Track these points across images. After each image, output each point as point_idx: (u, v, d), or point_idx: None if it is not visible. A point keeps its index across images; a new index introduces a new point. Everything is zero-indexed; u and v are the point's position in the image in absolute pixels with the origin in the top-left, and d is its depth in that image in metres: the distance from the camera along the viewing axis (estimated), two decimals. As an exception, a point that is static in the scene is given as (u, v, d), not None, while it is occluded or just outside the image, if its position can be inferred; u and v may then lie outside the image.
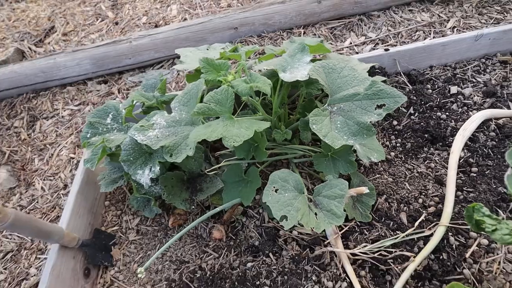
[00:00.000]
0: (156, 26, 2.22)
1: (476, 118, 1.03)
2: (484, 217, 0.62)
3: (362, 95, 0.81)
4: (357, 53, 1.61)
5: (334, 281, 0.84)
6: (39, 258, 1.24)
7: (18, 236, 1.34)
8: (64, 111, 1.84)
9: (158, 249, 1.04)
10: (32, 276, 1.19)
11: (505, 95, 1.15)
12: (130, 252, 1.09)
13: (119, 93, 1.83)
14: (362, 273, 0.85)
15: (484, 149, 1.02)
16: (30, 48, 2.41)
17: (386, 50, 1.23)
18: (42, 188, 1.51)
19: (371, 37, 1.68)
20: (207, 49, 1.15)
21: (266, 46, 1.23)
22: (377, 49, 1.35)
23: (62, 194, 1.46)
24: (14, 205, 1.49)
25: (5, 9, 3.02)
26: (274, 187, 0.82)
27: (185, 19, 2.20)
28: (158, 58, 1.79)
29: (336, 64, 0.89)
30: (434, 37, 1.60)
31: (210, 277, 0.94)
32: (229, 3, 2.17)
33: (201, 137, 0.79)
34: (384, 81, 1.13)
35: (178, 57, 1.84)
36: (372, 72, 1.24)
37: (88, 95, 1.88)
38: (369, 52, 1.26)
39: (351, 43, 1.68)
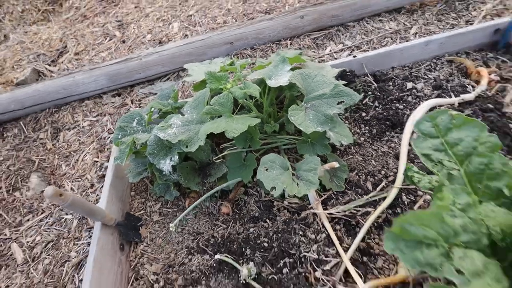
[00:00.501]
0: (160, 43, 2.51)
1: (424, 106, 1.31)
2: (414, 173, 0.89)
3: (328, 95, 1.09)
4: (336, 58, 1.89)
5: (315, 234, 1.11)
6: (77, 244, 1.50)
7: (56, 228, 1.59)
8: (84, 122, 2.11)
9: (178, 224, 1.31)
10: (73, 258, 1.45)
11: (449, 88, 1.43)
12: (155, 230, 1.36)
13: (132, 103, 2.10)
14: (337, 227, 1.12)
15: (432, 131, 1.29)
16: (45, 68, 2.70)
17: (354, 56, 1.51)
18: (71, 188, 1.77)
19: (347, 45, 1.97)
20: (209, 63, 1.43)
21: (257, 59, 1.51)
22: (351, 55, 1.63)
23: (90, 192, 1.72)
24: (48, 205, 1.75)
25: (18, 33, 3.32)
26: (265, 167, 1.10)
27: (186, 35, 2.49)
28: (165, 72, 2.07)
29: (311, 72, 1.17)
30: (400, 42, 1.88)
31: (221, 242, 1.20)
32: (225, 20, 2.47)
33: (209, 130, 1.06)
34: (347, 84, 1.42)
35: (183, 70, 2.12)
36: (344, 74, 1.52)
37: (104, 107, 2.16)
38: (341, 59, 1.54)
39: (331, 50, 1.97)
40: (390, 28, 1.98)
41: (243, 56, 2.01)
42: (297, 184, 1.07)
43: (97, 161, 1.87)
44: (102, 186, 1.56)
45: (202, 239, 1.25)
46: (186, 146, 1.14)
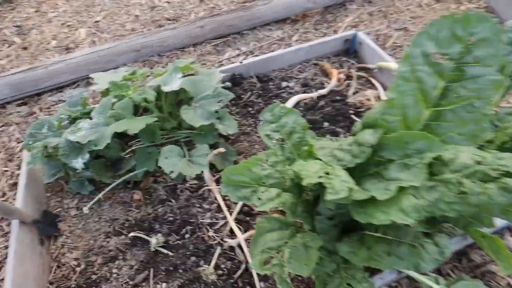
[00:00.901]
0: (67, 49, 2.55)
1: (292, 100, 1.71)
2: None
3: (210, 95, 1.40)
4: (233, 63, 2.22)
5: (209, 205, 1.42)
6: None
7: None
8: (-11, 133, 2.08)
9: (95, 215, 1.50)
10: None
11: (313, 85, 1.87)
12: (73, 223, 1.52)
13: (41, 111, 2.15)
14: (227, 197, 1.45)
15: (298, 119, 1.71)
16: None
17: (241, 62, 1.86)
18: (-18, 198, 1.79)
19: (243, 50, 2.32)
20: (114, 73, 1.63)
21: (155, 68, 1.76)
22: (241, 62, 1.97)
23: (1, 200, 1.77)
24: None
25: None
26: (165, 156, 1.37)
27: (94, 41, 2.58)
28: (74, 79, 2.16)
29: (197, 78, 1.47)
30: (284, 48, 2.30)
31: (135, 223, 1.44)
32: (133, 27, 2.62)
33: (114, 130, 1.29)
34: (236, 85, 1.76)
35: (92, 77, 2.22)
36: (234, 77, 1.86)
37: (9, 117, 2.15)
38: (231, 65, 1.87)
39: (229, 55, 2.30)
40: (277, 36, 2.39)
41: (151, 62, 2.23)
42: (191, 167, 1.36)
43: (7, 171, 1.90)
44: (15, 193, 1.63)
45: (118, 224, 1.46)
46: (95, 145, 1.34)
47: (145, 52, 2.21)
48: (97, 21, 2.75)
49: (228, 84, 1.86)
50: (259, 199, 0.82)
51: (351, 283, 0.98)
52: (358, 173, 0.84)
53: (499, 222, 1.33)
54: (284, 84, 1.88)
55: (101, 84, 1.51)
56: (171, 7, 2.78)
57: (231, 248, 1.32)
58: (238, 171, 0.85)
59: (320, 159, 0.81)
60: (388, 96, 0.78)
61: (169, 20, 2.65)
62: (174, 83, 1.43)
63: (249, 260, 1.25)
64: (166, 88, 1.41)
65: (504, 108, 1.18)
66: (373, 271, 1.15)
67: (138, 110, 1.55)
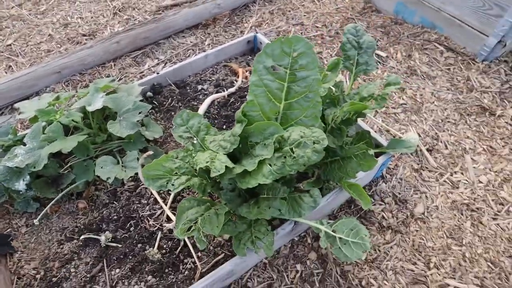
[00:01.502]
0: (-17, 78, 2.54)
1: (207, 101, 2.02)
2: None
3: (131, 109, 1.65)
4: (153, 72, 2.44)
5: (147, 200, 1.70)
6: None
7: None
8: None
9: (45, 228, 1.68)
10: None
11: (224, 85, 2.20)
12: (26, 239, 1.69)
13: (-31, 142, 2.19)
14: (162, 191, 1.73)
15: (212, 115, 2.03)
16: None
17: (157, 73, 2.10)
18: None
19: (162, 59, 2.55)
20: (39, 99, 1.78)
21: (78, 90, 1.94)
22: (156, 72, 2.21)
23: None
24: None
25: None
26: (100, 166, 1.60)
27: (10, 66, 2.60)
28: (-2, 107, 2.23)
29: (119, 95, 1.70)
30: (198, 53, 2.57)
31: (83, 228, 1.66)
32: (49, 48, 2.69)
33: (49, 151, 1.49)
34: (157, 94, 2.02)
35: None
36: (153, 87, 2.10)
37: None
38: (148, 76, 2.11)
39: (149, 65, 2.51)
40: (191, 42, 2.65)
41: (73, 81, 2.36)
42: (125, 171, 1.62)
43: None
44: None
45: (68, 231, 1.67)
46: (34, 167, 1.53)
47: (66, 73, 2.33)
48: (9, 45, 2.75)
49: (149, 94, 2.10)
50: (173, 185, 1.13)
51: (258, 236, 1.34)
52: (240, 155, 1.19)
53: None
54: (199, 87, 2.17)
55: (28, 112, 1.67)
56: (85, 23, 2.87)
57: (170, 231, 1.62)
58: (152, 167, 1.14)
59: (211, 149, 1.14)
60: (248, 99, 1.13)
61: (85, 36, 2.76)
62: (96, 103, 1.65)
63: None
64: (90, 108, 1.62)
65: (354, 90, 1.62)
66: (274, 226, 1.53)
67: (69, 129, 1.74)
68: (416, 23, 2.63)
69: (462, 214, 1.78)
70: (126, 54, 2.53)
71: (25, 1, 3.12)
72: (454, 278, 1.58)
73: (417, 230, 1.73)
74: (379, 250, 1.68)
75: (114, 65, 2.47)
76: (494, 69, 2.36)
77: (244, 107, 1.14)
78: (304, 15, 2.84)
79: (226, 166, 1.04)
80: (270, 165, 1.05)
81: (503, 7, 2.11)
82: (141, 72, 2.44)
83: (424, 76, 2.35)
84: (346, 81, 2.27)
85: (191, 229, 1.17)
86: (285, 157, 1.04)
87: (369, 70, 1.55)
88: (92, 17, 2.91)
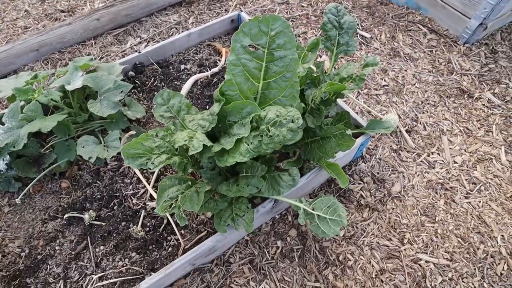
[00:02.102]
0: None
1: (189, 81, 2.01)
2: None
3: (112, 88, 1.64)
4: (136, 51, 2.40)
5: (130, 179, 1.71)
6: None
7: None
8: None
9: (28, 208, 1.69)
10: None
11: (208, 64, 2.18)
12: (9, 218, 1.69)
13: None
14: (145, 170, 1.74)
15: (195, 95, 2.02)
16: None
17: (139, 52, 2.07)
18: None
19: (144, 37, 2.49)
20: (16, 78, 1.74)
21: (57, 69, 1.90)
22: (138, 51, 2.17)
23: None
24: None
25: None
26: (82, 145, 1.59)
27: (-14, 43, 2.51)
28: (-25, 86, 2.16)
29: (98, 74, 1.68)
30: (182, 31, 2.52)
31: (67, 207, 1.67)
32: (26, 24, 2.59)
33: (28, 131, 1.47)
34: (139, 73, 1.99)
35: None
36: (136, 66, 2.08)
37: None
38: (130, 55, 2.07)
39: (131, 44, 2.46)
40: (174, 20, 2.59)
41: (52, 60, 2.30)
42: (107, 150, 1.62)
43: None
44: None
45: (52, 210, 1.68)
46: (14, 147, 1.51)
47: (45, 51, 2.27)
48: (-16, 21, 2.64)
49: (131, 73, 2.07)
50: (153, 163, 1.14)
51: (238, 213, 1.38)
52: (220, 134, 1.20)
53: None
54: (182, 66, 2.15)
55: (5, 90, 1.64)
56: (65, -1, 2.77)
57: (153, 209, 1.65)
58: (132, 146, 1.15)
59: (190, 128, 1.15)
60: (226, 78, 1.13)
61: (63, 12, 2.67)
62: (76, 82, 1.63)
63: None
64: (69, 87, 1.60)
65: (335, 70, 1.63)
66: (256, 204, 1.57)
67: (49, 109, 1.72)
68: (402, 4, 2.63)
69: (436, 193, 1.86)
70: (107, 32, 2.46)
71: (-1, -26, 2.97)
72: (426, 253, 1.67)
73: (393, 208, 1.81)
74: (357, 227, 1.75)
75: (95, 43, 2.41)
76: (474, 52, 2.40)
77: (222, 87, 1.15)
78: (291, -6, 2.80)
79: (204, 145, 1.06)
80: (247, 143, 1.07)
81: (485, -11, 2.13)
82: (123, 51, 2.40)
83: (407, 58, 2.38)
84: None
85: (172, 207, 1.20)
86: (261, 136, 1.06)
87: (349, 51, 1.57)
88: (71, -7, 2.80)
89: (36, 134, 1.78)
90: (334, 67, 1.56)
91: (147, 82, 2.08)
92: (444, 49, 2.42)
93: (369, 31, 2.51)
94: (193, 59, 2.21)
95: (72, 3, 2.74)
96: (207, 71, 2.12)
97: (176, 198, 1.25)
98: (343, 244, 1.69)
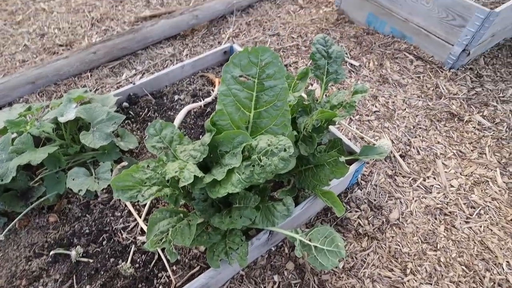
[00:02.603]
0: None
1: (184, 110, 2.02)
2: (162, 157, 1.53)
3: (105, 119, 1.63)
4: (132, 83, 2.43)
5: (121, 212, 1.66)
6: None
7: None
8: None
9: (13, 244, 1.62)
10: None
11: (201, 95, 2.20)
12: (-7, 256, 1.62)
13: None
14: (136, 204, 1.70)
15: (189, 125, 2.02)
16: None
17: (134, 84, 2.09)
18: None
19: (139, 69, 2.54)
20: (10, 110, 1.74)
21: (52, 100, 1.90)
22: (132, 83, 2.20)
23: None
24: None
25: None
26: (72, 178, 1.56)
27: (-17, 77, 2.53)
28: (-33, 119, 2.16)
29: (92, 106, 1.68)
30: (176, 63, 2.57)
31: (54, 243, 1.61)
32: (23, 59, 2.64)
33: (17, 163, 1.45)
34: (133, 104, 2.00)
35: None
36: (130, 97, 2.09)
37: None
38: (124, 88, 2.09)
39: (126, 76, 2.49)
40: (168, 53, 2.65)
41: (48, 92, 2.32)
42: (98, 182, 1.59)
43: None
44: None
45: (37, 246, 1.61)
46: (1, 180, 1.48)
47: (41, 83, 2.29)
48: (-18, 56, 2.69)
49: (125, 104, 2.09)
50: (142, 196, 1.11)
51: (232, 246, 1.33)
52: (211, 164, 1.19)
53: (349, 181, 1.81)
54: (176, 97, 2.17)
55: (-3, 123, 1.63)
56: (62, 33, 2.84)
57: (144, 243, 1.58)
58: (122, 178, 1.12)
59: (181, 159, 1.14)
60: (217, 108, 1.14)
61: (61, 46, 2.72)
62: (69, 114, 1.62)
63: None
64: (62, 119, 1.59)
65: (326, 98, 1.65)
66: (251, 237, 1.53)
67: (41, 141, 1.70)
68: (387, 33, 2.73)
69: (436, 219, 1.83)
70: (103, 65, 2.51)
71: (0, 11, 3.07)
72: (431, 284, 1.61)
73: (393, 236, 1.76)
74: (356, 258, 1.69)
75: (91, 75, 2.44)
76: (460, 76, 2.46)
77: (213, 117, 1.15)
78: (280, 26, 2.90)
79: (195, 176, 1.04)
80: (239, 173, 1.05)
81: (465, 17, 2.21)
82: (118, 83, 2.42)
83: (396, 84, 2.43)
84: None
85: (162, 241, 1.16)
86: (253, 166, 1.04)
87: (339, 79, 1.60)
88: (69, 28, 2.89)
89: (26, 167, 1.75)
90: (325, 95, 1.57)
91: (140, 113, 2.09)
92: (431, 75, 2.48)
93: (358, 60, 2.58)
94: (187, 89, 2.24)
95: (70, 37, 2.81)
96: (201, 101, 2.14)
97: (167, 232, 1.21)
98: (343, 277, 1.62)
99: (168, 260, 1.52)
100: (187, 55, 2.64)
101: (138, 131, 2.03)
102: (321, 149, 1.64)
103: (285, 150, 1.00)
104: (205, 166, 1.23)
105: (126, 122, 2.06)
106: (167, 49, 2.68)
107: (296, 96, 1.41)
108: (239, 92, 1.13)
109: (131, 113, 2.07)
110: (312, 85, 2.42)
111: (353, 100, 1.37)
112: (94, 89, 2.36)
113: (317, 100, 1.63)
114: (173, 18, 2.62)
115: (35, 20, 2.95)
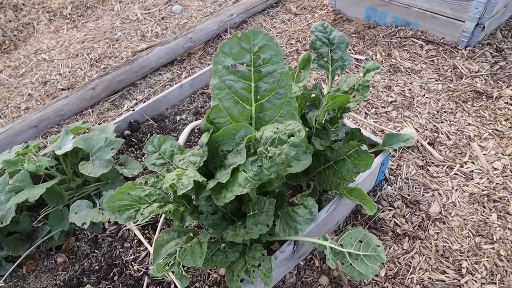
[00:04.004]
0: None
1: (186, 129, 1.91)
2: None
3: (103, 146, 1.54)
4: (132, 109, 2.36)
5: (130, 242, 1.52)
6: None
7: None
8: None
9: (22, 293, 1.50)
10: None
11: (204, 112, 2.11)
12: (1, 310, 1.50)
13: None
14: (146, 231, 1.56)
15: (194, 143, 1.91)
16: None
17: (133, 110, 2.03)
18: None
19: (139, 98, 2.49)
20: (9, 152, 1.68)
21: (50, 137, 1.85)
22: (131, 109, 2.14)
23: None
24: None
25: None
26: (75, 212, 1.45)
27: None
28: (-25, 171, 2.13)
29: (90, 135, 1.60)
30: (175, 86, 2.52)
31: (63, 285, 1.47)
32: (27, 106, 2.65)
33: (15, 202, 1.35)
34: (134, 131, 1.92)
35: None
36: (131, 124, 2.02)
37: None
38: (123, 116, 2.02)
39: (127, 106, 2.45)
40: (167, 78, 2.61)
41: (51, 134, 2.28)
42: (102, 213, 1.46)
43: None
44: None
45: (47, 292, 1.48)
46: (1, 223, 1.38)
47: (44, 126, 2.26)
48: (-10, 110, 2.73)
49: (127, 132, 2.01)
50: (142, 214, 0.98)
51: (252, 263, 1.16)
52: (215, 170, 1.05)
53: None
54: (178, 118, 2.08)
55: (-4, 166, 1.56)
56: (64, 78, 2.87)
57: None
58: (117, 197, 0.99)
59: (180, 167, 1.01)
60: (212, 104, 1.01)
61: (64, 90, 2.74)
62: (66, 145, 1.55)
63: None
64: (59, 152, 1.51)
65: (334, 87, 1.51)
66: (272, 251, 1.35)
67: (41, 178, 1.61)
68: (389, 23, 2.61)
69: (484, 207, 1.59)
70: (103, 99, 2.48)
71: (5, 68, 3.16)
72: (494, 283, 1.36)
73: (437, 233, 1.53)
74: (399, 262, 1.47)
75: (92, 111, 2.41)
76: (479, 53, 2.28)
77: (209, 114, 1.03)
78: (277, 35, 2.84)
79: (195, 181, 0.90)
80: (246, 171, 0.90)
81: (472, -11, 2.08)
82: (120, 114, 2.37)
83: (409, 71, 2.27)
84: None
85: (171, 264, 1.00)
86: (261, 160, 0.90)
87: (346, 66, 1.46)
88: (70, 72, 2.92)
89: (31, 208, 1.67)
90: (335, 83, 1.44)
91: (143, 139, 2.00)
92: (446, 56, 2.31)
93: (363, 54, 2.45)
94: (188, 108, 2.15)
95: (72, 80, 2.83)
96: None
97: (175, 253, 1.05)
98: (387, 287, 1.40)
99: (185, 290, 1.35)
100: (186, 77, 2.59)
101: (142, 157, 1.93)
102: (339, 145, 1.47)
103: (294, 135, 0.86)
104: (209, 173, 1.09)
105: (129, 150, 1.97)
106: (166, 75, 2.65)
107: (300, 86, 1.28)
108: (234, 83, 1.01)
109: (134, 140, 1.99)
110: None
111: (366, 79, 1.22)
112: (96, 123, 2.31)
113: (324, 92, 1.49)
114: (167, 44, 2.60)
115: (37, 70, 3.01)
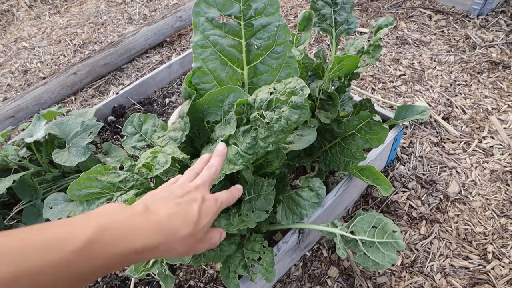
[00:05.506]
0: None
1: (177, 110, 1.73)
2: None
3: (80, 131, 1.36)
4: (115, 93, 2.18)
5: None
6: None
7: None
8: None
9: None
10: None
11: (195, 93, 1.93)
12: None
13: None
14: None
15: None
16: None
17: (117, 93, 1.84)
18: None
19: (127, 83, 2.30)
20: (-24, 143, 1.50)
21: (23, 123, 1.67)
22: (123, 89, 1.96)
23: None
24: None
25: None
26: (49, 206, 1.28)
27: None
28: None
29: (65, 119, 1.42)
30: (163, 66, 2.33)
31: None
32: (5, 97, 2.47)
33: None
34: (120, 116, 1.74)
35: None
36: (115, 109, 1.83)
37: None
38: (108, 98, 1.84)
39: (114, 92, 2.26)
40: (156, 61, 2.42)
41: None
42: (80, 207, 1.29)
43: None
44: None
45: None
46: (-36, 223, 1.21)
47: (22, 115, 2.08)
48: (-33, 103, 2.54)
49: (111, 118, 1.83)
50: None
51: (251, 256, 0.99)
52: (202, 146, 0.87)
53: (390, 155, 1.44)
54: (167, 100, 1.90)
55: (-41, 158, 1.38)
56: (45, 66, 2.67)
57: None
58: (83, 184, 0.82)
59: (159, 145, 0.83)
60: (194, 67, 0.83)
61: (45, 78, 2.55)
62: (38, 132, 1.37)
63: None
64: (30, 139, 1.34)
65: (339, 53, 1.33)
66: (274, 242, 1.18)
67: (11, 171, 1.44)
68: (395, -7, 2.41)
69: (508, 185, 1.43)
70: (87, 86, 2.29)
71: (-17, 59, 2.97)
72: (524, 267, 1.20)
73: (458, 215, 1.37)
74: (417, 249, 1.31)
75: (75, 99, 2.22)
76: (492, 22, 2.09)
77: (191, 79, 0.84)
78: (274, 13, 2.64)
79: (174, 159, 0.72)
80: (237, 144, 0.73)
81: None
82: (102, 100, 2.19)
83: (417, 43, 2.08)
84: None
85: (151, 262, 0.83)
86: (255, 129, 0.72)
87: (352, 29, 1.28)
88: (52, 59, 2.72)
89: (4, 205, 1.50)
90: (339, 50, 1.26)
91: (129, 124, 1.82)
92: (457, 26, 2.12)
93: (367, 26, 2.26)
94: (178, 91, 1.97)
95: (54, 68, 2.64)
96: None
97: (159, 248, 0.88)
98: (404, 277, 1.24)
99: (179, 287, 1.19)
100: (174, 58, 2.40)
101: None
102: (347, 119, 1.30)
103: (296, 93, 0.68)
104: (196, 153, 0.91)
105: (114, 138, 1.79)
106: (154, 58, 2.45)
107: (301, 50, 1.10)
108: (221, 39, 0.83)
109: (119, 126, 1.81)
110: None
111: (377, 38, 1.04)
112: (80, 111, 2.12)
113: (327, 60, 1.31)
114: (155, 24, 2.40)
115: (17, 59, 2.81)
